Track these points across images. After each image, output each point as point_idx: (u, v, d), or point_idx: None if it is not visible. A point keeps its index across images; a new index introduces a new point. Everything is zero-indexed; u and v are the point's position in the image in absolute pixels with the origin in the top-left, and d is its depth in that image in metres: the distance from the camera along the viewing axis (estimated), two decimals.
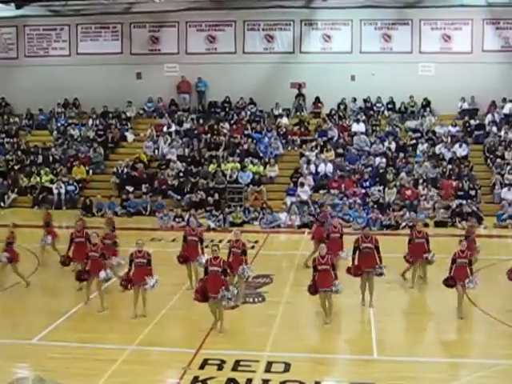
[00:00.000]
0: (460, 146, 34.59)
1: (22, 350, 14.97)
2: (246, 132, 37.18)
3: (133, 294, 17.17)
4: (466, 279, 16.92)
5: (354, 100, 38.29)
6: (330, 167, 34.01)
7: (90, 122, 39.31)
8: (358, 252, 18.26)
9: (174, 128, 37.90)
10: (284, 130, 37.09)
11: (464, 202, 30.71)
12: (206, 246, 19.78)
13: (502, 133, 35.45)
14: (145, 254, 17.23)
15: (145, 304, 17.18)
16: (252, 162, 34.60)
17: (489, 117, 36.62)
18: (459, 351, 15.32)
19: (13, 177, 35.54)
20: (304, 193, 32.16)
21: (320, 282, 16.60)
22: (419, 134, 36.04)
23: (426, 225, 27.25)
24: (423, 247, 19.97)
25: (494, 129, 35.77)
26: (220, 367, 14.04)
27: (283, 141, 36.52)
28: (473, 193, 31.59)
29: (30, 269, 21.62)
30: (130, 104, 39.64)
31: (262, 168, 34.52)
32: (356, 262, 18.26)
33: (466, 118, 36.72)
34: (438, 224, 29.42)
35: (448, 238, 23.34)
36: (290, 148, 36.62)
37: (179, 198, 33.35)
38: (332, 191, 32.33)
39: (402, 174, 32.83)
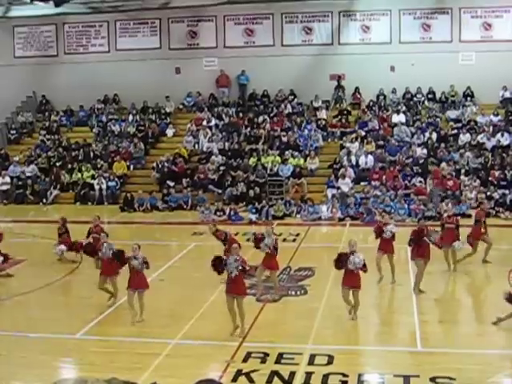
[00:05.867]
0: (502, 135, 34.15)
1: (66, 344, 15.06)
2: (285, 125, 37.05)
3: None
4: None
5: (394, 91, 37.99)
6: (370, 159, 33.85)
7: (130, 117, 39.54)
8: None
9: (213, 122, 37.98)
10: (324, 122, 36.95)
11: (507, 191, 30.45)
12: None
13: None
14: (142, 259, 16.36)
15: (142, 310, 16.47)
16: (292, 155, 34.54)
17: None
18: (505, 342, 15.11)
19: (55, 173, 35.91)
20: (345, 185, 32.04)
21: None
22: (460, 124, 35.69)
23: (469, 215, 27.00)
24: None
25: None
26: (263, 360, 13.99)
27: (323, 133, 36.40)
28: None
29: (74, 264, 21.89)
30: (169, 99, 39.74)
31: (302, 160, 34.46)
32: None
33: (508, 107, 36.23)
34: None
35: (491, 228, 22.97)
36: (330, 140, 36.51)
37: (220, 191, 33.44)
38: (373, 183, 32.20)
39: (444, 165, 32.55)
